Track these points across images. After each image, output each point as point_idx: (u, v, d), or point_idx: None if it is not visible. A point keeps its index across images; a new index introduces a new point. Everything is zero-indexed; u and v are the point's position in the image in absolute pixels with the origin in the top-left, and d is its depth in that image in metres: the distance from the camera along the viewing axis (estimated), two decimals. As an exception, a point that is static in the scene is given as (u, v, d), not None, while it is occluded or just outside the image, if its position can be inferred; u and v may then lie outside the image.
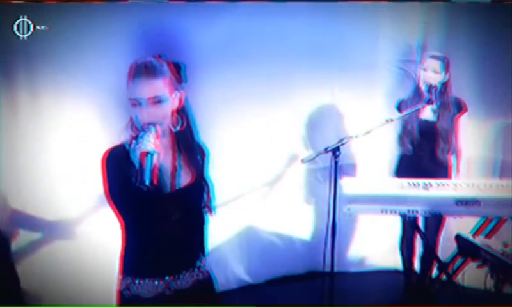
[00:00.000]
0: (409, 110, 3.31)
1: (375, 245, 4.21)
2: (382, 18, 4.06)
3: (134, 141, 1.76)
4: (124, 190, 1.81)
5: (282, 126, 3.96)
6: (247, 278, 4.09)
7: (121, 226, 1.94)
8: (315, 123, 4.04)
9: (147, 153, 1.70)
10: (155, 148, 1.72)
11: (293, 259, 4.10)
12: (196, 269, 2.01)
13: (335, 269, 4.09)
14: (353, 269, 4.28)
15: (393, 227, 3.81)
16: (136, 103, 1.81)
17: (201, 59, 3.64)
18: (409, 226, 3.47)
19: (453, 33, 4.03)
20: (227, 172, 3.87)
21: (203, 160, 2.04)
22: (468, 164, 3.98)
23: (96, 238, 3.43)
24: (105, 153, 1.87)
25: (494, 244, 2.55)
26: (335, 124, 4.05)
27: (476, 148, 4.00)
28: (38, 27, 3.43)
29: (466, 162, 3.97)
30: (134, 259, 1.95)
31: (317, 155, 3.22)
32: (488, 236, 3.16)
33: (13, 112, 3.38)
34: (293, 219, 4.09)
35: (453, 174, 3.54)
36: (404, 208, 2.99)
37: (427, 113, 3.48)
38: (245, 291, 4.03)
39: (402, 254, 3.73)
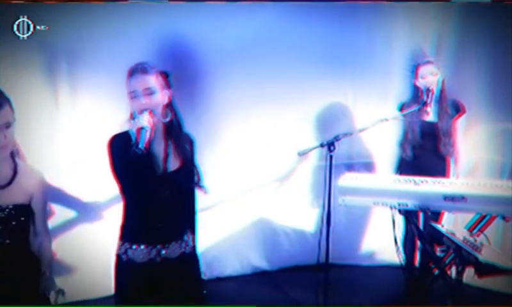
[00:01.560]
0: (404, 112, 3.53)
1: (384, 240, 4.39)
2: (396, 23, 4.22)
3: (131, 121, 2.16)
4: (125, 167, 2.20)
5: (295, 127, 4.21)
6: (261, 265, 4.40)
7: (122, 199, 2.32)
8: (327, 125, 4.23)
9: (141, 128, 2.11)
10: (148, 124, 2.13)
11: (304, 250, 4.28)
12: (183, 243, 2.37)
13: (347, 262, 4.47)
14: (364, 263, 4.50)
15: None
16: (133, 95, 2.21)
17: (219, 61, 3.97)
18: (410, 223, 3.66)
19: (465, 35, 4.12)
20: (243, 167, 4.23)
21: (191, 148, 2.40)
22: (477, 166, 4.16)
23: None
24: (111, 138, 2.26)
25: (462, 233, 2.72)
26: (347, 126, 4.21)
27: (485, 150, 4.11)
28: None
29: (475, 164, 4.16)
30: (131, 228, 2.32)
31: (313, 149, 3.48)
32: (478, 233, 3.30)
33: (55, 104, 3.70)
34: (304, 212, 4.34)
35: (451, 174, 3.71)
36: (394, 201, 3.20)
37: (429, 114, 3.67)
38: (259, 278, 4.34)
39: (404, 250, 3.90)
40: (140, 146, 2.09)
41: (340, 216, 4.37)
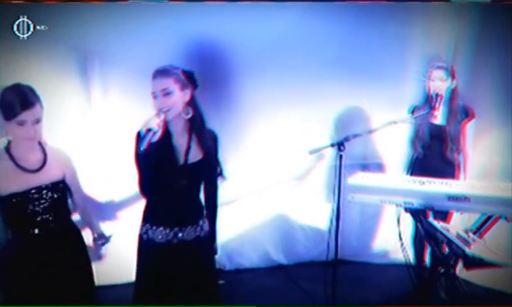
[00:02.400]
0: (413, 115, 3.69)
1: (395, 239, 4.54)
2: (412, 27, 4.35)
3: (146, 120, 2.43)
4: (146, 158, 2.45)
5: (313, 129, 4.40)
6: (277, 259, 4.63)
7: (139, 188, 2.56)
8: (344, 127, 4.37)
9: (149, 129, 2.36)
10: (156, 127, 2.37)
11: (320, 246, 4.43)
12: (198, 227, 2.63)
13: (361, 259, 4.63)
14: (377, 261, 4.66)
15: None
16: (154, 96, 2.49)
17: (244, 64, 4.22)
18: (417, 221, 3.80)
19: (482, 38, 4.20)
20: (264, 165, 4.48)
21: (214, 143, 2.67)
22: (491, 170, 4.27)
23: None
24: (137, 131, 2.49)
25: (456, 230, 2.87)
26: (363, 128, 4.29)
27: (500, 154, 4.21)
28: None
29: (490, 167, 4.26)
30: (152, 212, 2.60)
31: (324, 148, 3.68)
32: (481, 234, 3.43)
33: (88, 104, 3.95)
34: (320, 209, 4.50)
35: (460, 175, 3.84)
36: (400, 200, 3.37)
37: (437, 117, 3.82)
38: (275, 271, 4.57)
39: (414, 249, 4.05)
40: (142, 145, 2.34)
41: (355, 214, 4.58)
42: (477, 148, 4.20)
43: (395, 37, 4.38)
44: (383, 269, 4.55)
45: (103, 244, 2.72)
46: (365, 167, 4.47)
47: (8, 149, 2.42)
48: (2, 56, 3.73)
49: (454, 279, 3.58)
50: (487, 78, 4.24)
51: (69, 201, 2.65)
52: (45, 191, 2.43)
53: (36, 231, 2.42)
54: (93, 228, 2.73)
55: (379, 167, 4.54)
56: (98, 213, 3.74)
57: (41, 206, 2.42)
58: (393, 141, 4.38)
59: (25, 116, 2.31)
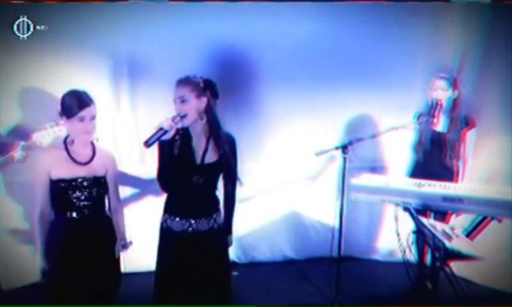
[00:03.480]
0: (414, 122, 3.96)
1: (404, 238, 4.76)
2: (421, 37, 4.63)
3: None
4: (165, 155, 2.81)
5: (325, 133, 4.69)
6: (289, 254, 4.96)
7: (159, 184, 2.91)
8: (357, 133, 4.57)
9: (160, 128, 2.71)
10: (168, 127, 2.72)
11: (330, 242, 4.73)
12: (211, 220, 2.97)
13: (368, 257, 4.90)
14: (384, 258, 4.93)
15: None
16: (174, 102, 2.85)
17: (262, 73, 4.58)
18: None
19: (489, 47, 4.42)
20: (279, 166, 4.83)
21: (231, 146, 2.99)
22: (495, 175, 4.47)
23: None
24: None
25: (442, 226, 3.14)
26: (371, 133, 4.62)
27: (502, 160, 4.41)
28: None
29: (493, 172, 4.47)
30: (171, 203, 2.95)
31: (329, 151, 3.98)
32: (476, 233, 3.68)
33: (117, 106, 4.32)
34: (330, 207, 4.64)
35: (459, 179, 4.09)
36: (399, 200, 3.64)
37: (439, 125, 4.07)
38: (287, 266, 4.90)
39: (417, 247, 4.29)
40: (149, 141, 2.70)
41: (363, 214, 4.86)
42: (481, 154, 4.46)
43: (404, 45, 4.67)
44: (389, 266, 4.79)
45: (123, 249, 3.04)
46: (373, 169, 4.73)
47: (65, 141, 2.84)
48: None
49: (451, 277, 3.87)
50: (493, 85, 4.46)
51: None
52: (87, 182, 2.82)
53: (74, 214, 2.81)
54: (118, 230, 3.04)
55: (386, 170, 4.79)
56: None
57: (82, 194, 2.81)
58: (401, 146, 4.63)
59: (85, 113, 2.75)
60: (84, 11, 4.02)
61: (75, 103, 2.74)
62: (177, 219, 2.92)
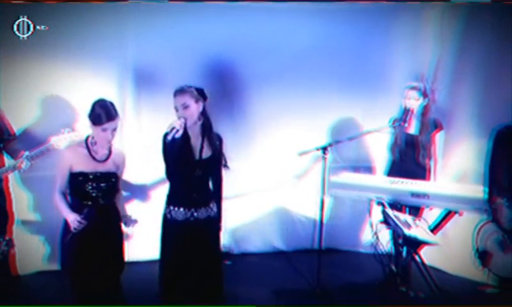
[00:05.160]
0: (389, 126, 4.40)
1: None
2: (401, 49, 5.05)
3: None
4: (170, 152, 3.25)
5: (311, 134, 5.08)
6: (279, 246, 5.39)
7: (167, 178, 3.37)
8: (341, 135, 4.99)
9: (173, 127, 3.16)
10: (179, 127, 3.16)
11: (315, 235, 5.01)
12: (209, 208, 3.41)
13: (351, 249, 5.32)
14: (363, 250, 5.31)
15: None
16: (176, 109, 3.29)
17: (253, 81, 4.98)
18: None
19: (463, 57, 4.77)
20: (269, 165, 5.26)
21: (220, 144, 3.45)
22: (465, 174, 4.87)
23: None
24: (165, 133, 3.28)
25: (405, 217, 3.57)
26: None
27: (472, 161, 4.74)
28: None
29: (464, 172, 4.87)
30: (174, 196, 3.38)
31: (310, 151, 4.40)
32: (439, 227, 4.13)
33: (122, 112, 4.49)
34: (316, 203, 4.85)
35: (431, 177, 4.51)
36: (372, 195, 4.08)
37: (412, 128, 4.49)
38: (276, 256, 5.33)
39: (393, 239, 4.69)
40: (167, 140, 3.17)
41: (347, 209, 5.29)
42: (454, 155, 4.87)
43: (384, 53, 5.10)
44: (370, 258, 5.11)
45: (134, 224, 3.45)
46: (356, 169, 5.14)
47: (86, 140, 3.27)
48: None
49: (420, 265, 4.30)
50: (465, 90, 4.83)
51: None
52: (102, 177, 3.26)
53: (89, 203, 3.24)
54: (123, 212, 3.50)
55: (368, 169, 5.21)
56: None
57: (97, 187, 3.24)
58: (381, 146, 5.04)
59: (108, 125, 3.18)
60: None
61: (103, 115, 3.17)
62: (181, 209, 3.34)
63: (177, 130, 3.17)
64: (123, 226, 3.42)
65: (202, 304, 3.36)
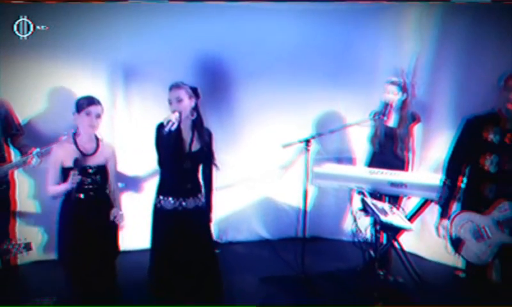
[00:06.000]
0: (369, 119, 4.60)
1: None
2: (382, 45, 5.24)
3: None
4: (162, 144, 3.43)
5: (295, 127, 5.26)
6: (264, 234, 5.61)
7: (160, 168, 3.56)
8: (324, 127, 5.22)
9: (169, 120, 3.33)
10: (174, 120, 3.34)
11: (300, 224, 5.13)
12: (197, 198, 3.58)
13: (334, 237, 5.53)
14: (345, 238, 5.46)
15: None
16: (170, 102, 3.47)
17: (239, 77, 5.18)
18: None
19: (440, 56, 4.97)
20: (255, 157, 5.45)
21: (209, 138, 3.63)
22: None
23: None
24: (158, 125, 3.49)
25: (383, 205, 3.78)
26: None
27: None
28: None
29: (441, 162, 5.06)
30: (164, 186, 3.56)
31: (294, 144, 4.59)
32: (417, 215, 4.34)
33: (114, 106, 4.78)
34: (300, 194, 5.00)
35: (409, 167, 4.72)
36: (353, 185, 4.29)
37: (391, 121, 4.69)
38: (262, 244, 5.53)
39: (374, 227, 4.91)
40: (165, 131, 3.33)
41: (330, 199, 5.50)
42: (433, 147, 5.08)
43: (366, 49, 5.30)
44: (352, 245, 5.38)
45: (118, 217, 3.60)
46: (339, 160, 5.36)
47: (74, 137, 3.42)
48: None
49: (399, 251, 4.51)
50: (443, 85, 5.04)
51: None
52: (92, 170, 3.42)
53: (82, 196, 3.40)
54: (116, 205, 3.63)
55: (350, 160, 5.42)
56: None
57: (88, 179, 3.40)
58: (362, 139, 5.24)
59: (91, 109, 3.35)
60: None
61: (85, 102, 3.37)
62: (170, 198, 3.51)
63: (173, 123, 3.35)
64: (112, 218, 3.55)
65: (201, 301, 3.55)
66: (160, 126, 3.44)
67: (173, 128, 3.34)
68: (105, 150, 3.51)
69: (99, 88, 4.50)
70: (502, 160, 3.35)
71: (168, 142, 3.37)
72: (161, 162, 3.48)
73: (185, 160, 3.49)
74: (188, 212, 3.54)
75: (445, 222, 3.51)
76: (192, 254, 3.54)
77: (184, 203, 3.53)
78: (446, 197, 3.55)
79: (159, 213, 3.56)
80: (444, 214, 3.55)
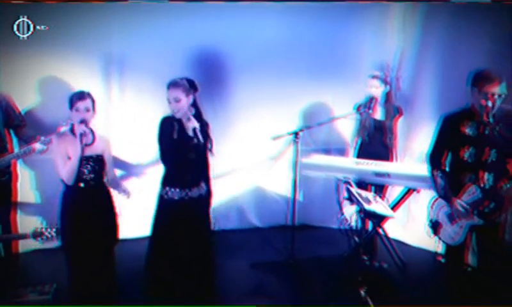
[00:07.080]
0: (353, 112, 4.81)
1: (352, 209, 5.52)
2: (367, 40, 5.44)
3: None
4: (168, 137, 3.60)
5: (286, 120, 5.45)
6: (255, 223, 5.81)
7: (162, 162, 3.71)
8: (313, 120, 5.37)
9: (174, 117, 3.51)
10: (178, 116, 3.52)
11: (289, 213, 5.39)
12: (200, 187, 3.77)
13: (323, 225, 5.74)
14: (334, 226, 5.69)
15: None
16: (169, 102, 3.61)
17: (232, 71, 5.35)
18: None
19: (424, 51, 5.17)
20: (247, 148, 5.64)
21: (207, 129, 3.80)
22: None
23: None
24: (162, 118, 3.65)
25: (367, 194, 4.00)
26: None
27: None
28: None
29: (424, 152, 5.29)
30: (171, 177, 3.71)
31: (283, 136, 4.79)
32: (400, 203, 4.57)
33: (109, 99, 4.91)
34: (289, 183, 5.26)
35: (394, 158, 4.94)
36: (340, 175, 4.50)
37: (378, 114, 4.90)
38: (253, 232, 5.74)
39: (359, 216, 5.12)
40: (172, 128, 3.56)
41: (319, 188, 5.71)
42: (418, 138, 5.29)
43: (353, 43, 5.49)
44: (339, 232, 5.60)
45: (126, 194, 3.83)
46: (327, 151, 5.56)
47: (71, 130, 3.57)
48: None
49: (383, 238, 4.74)
50: (427, 79, 5.23)
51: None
52: (90, 160, 3.60)
53: (82, 185, 3.59)
54: (118, 188, 3.86)
55: (337, 151, 5.60)
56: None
57: (87, 169, 3.58)
58: (349, 130, 5.44)
59: (79, 104, 3.51)
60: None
61: (74, 97, 3.53)
62: (177, 189, 3.67)
63: (178, 119, 3.55)
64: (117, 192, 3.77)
65: (201, 298, 3.74)
66: (164, 120, 3.60)
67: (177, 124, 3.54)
68: (101, 142, 3.69)
69: (97, 85, 4.58)
70: (478, 151, 3.57)
71: (174, 137, 3.54)
72: (166, 155, 3.62)
73: (189, 152, 3.63)
74: (193, 201, 3.70)
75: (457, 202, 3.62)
76: (192, 242, 3.72)
77: (189, 193, 3.69)
78: (443, 186, 3.72)
79: (167, 203, 3.68)
80: (449, 200, 3.68)
